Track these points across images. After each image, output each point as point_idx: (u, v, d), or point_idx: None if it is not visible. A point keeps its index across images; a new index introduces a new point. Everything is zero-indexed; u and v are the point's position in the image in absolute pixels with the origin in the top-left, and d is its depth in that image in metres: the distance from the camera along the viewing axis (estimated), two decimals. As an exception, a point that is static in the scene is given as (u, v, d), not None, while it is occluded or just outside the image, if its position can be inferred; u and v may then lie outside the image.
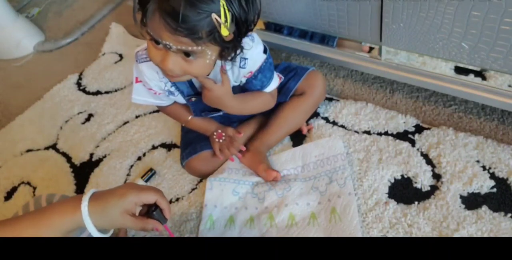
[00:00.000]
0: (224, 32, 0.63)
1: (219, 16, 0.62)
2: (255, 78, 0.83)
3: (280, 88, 0.94)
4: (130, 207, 0.61)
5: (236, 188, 0.88)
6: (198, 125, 0.94)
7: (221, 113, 0.92)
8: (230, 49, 0.70)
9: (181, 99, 0.87)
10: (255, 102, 0.88)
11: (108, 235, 0.62)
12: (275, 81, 0.87)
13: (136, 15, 0.65)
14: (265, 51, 0.82)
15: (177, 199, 0.93)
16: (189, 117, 0.93)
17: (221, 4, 0.61)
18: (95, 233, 0.59)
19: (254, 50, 0.78)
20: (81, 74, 1.37)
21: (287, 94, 0.94)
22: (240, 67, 0.79)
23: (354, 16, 0.86)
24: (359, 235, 0.76)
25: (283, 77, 0.94)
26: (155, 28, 0.63)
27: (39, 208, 0.61)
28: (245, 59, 0.78)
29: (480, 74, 0.86)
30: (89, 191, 0.61)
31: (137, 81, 0.84)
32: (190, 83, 0.83)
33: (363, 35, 0.89)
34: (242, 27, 0.67)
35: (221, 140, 0.93)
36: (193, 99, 0.86)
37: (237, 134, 0.93)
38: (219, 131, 0.93)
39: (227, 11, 0.62)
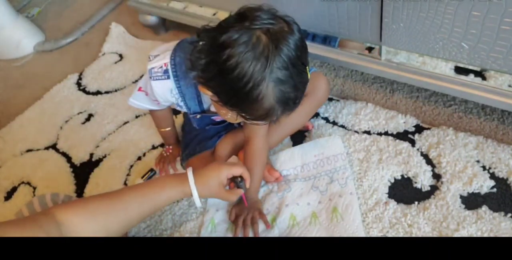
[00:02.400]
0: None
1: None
2: None
3: None
4: (224, 178, 0.74)
5: None
6: (167, 137, 1.00)
7: (225, 124, 0.93)
8: None
9: (185, 110, 0.87)
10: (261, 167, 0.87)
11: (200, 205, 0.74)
12: None
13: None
14: None
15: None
16: (168, 128, 0.97)
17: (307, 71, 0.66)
18: (198, 201, 0.72)
19: None
20: (81, 74, 1.37)
21: None
22: None
23: (354, 16, 0.86)
24: (362, 234, 0.76)
25: None
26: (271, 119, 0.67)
27: (142, 183, 0.72)
28: None
29: (480, 74, 0.86)
30: (189, 168, 0.73)
31: (140, 90, 0.84)
32: (199, 100, 0.81)
33: (363, 35, 0.89)
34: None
35: (165, 154, 1.00)
36: (198, 116, 0.86)
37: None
38: (169, 146, 1.01)
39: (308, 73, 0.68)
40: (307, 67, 0.66)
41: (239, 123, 0.97)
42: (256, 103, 0.62)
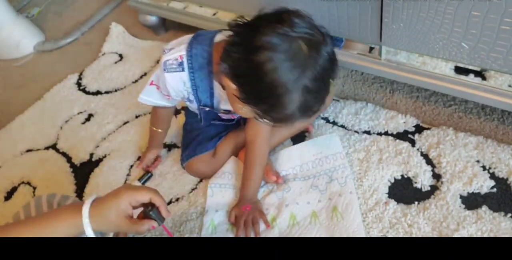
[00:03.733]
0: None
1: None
2: None
3: None
4: (126, 207, 0.61)
5: (238, 194, 0.88)
6: (154, 138, 0.99)
7: (228, 123, 0.93)
8: None
9: (194, 106, 0.87)
10: (259, 173, 0.87)
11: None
12: None
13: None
14: None
15: (177, 199, 0.93)
16: (160, 130, 0.97)
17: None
18: (90, 233, 0.59)
19: None
20: (81, 74, 1.37)
21: None
22: None
23: (354, 16, 0.86)
24: (363, 233, 0.76)
25: None
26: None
27: (41, 213, 0.62)
28: None
29: (480, 74, 0.86)
30: (91, 196, 0.61)
31: (151, 84, 0.84)
32: (211, 93, 0.81)
33: (363, 35, 0.89)
34: None
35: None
36: (207, 109, 0.86)
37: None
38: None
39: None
40: (331, 80, 0.67)
41: (239, 123, 0.97)
42: (279, 108, 0.63)
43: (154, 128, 0.98)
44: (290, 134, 0.96)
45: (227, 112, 0.88)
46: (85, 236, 0.60)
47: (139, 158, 1.04)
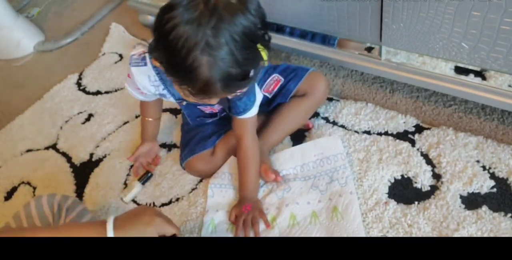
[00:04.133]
0: (266, 63, 0.68)
1: (262, 60, 0.66)
2: (240, 100, 0.82)
3: (280, 90, 0.94)
4: (151, 234, 0.62)
5: (238, 194, 0.88)
6: (145, 129, 0.99)
7: (216, 118, 0.92)
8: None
9: (173, 101, 0.88)
10: (253, 170, 0.87)
11: None
12: (256, 107, 0.85)
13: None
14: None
15: (177, 199, 0.93)
16: (151, 119, 0.97)
17: (259, 48, 0.65)
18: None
19: None
20: (81, 74, 1.37)
21: (286, 96, 0.94)
22: None
23: (354, 16, 0.86)
24: (363, 233, 0.76)
25: (282, 79, 0.94)
26: (214, 96, 0.67)
27: (61, 228, 0.61)
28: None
29: (480, 74, 0.86)
30: (110, 219, 0.62)
31: (128, 76, 0.85)
32: None
33: (363, 35, 0.89)
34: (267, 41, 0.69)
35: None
36: (184, 103, 0.87)
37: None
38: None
39: (264, 50, 0.66)
40: (260, 46, 0.65)
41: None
42: (191, 73, 0.61)
43: (145, 118, 0.98)
44: (288, 132, 0.96)
45: (205, 105, 0.89)
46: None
47: (139, 158, 1.05)
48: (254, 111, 0.85)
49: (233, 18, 0.60)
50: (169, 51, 0.61)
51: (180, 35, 0.59)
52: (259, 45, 0.65)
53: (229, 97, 0.81)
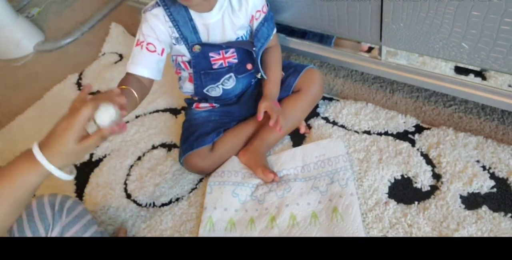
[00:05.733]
0: None
1: None
2: (263, 25, 0.89)
3: (281, 85, 0.96)
4: (81, 128, 0.60)
5: (236, 190, 0.88)
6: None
7: (224, 69, 0.92)
8: None
9: (185, 51, 0.87)
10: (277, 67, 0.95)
11: (72, 177, 0.62)
12: (274, 29, 0.93)
13: None
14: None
15: (177, 199, 0.93)
16: (125, 87, 0.79)
17: None
18: (60, 173, 0.59)
19: None
20: (81, 74, 1.37)
21: (288, 90, 0.96)
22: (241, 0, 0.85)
23: (354, 16, 0.86)
24: (362, 235, 0.76)
25: (283, 74, 0.97)
26: None
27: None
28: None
29: (480, 74, 0.86)
30: (34, 144, 0.60)
31: (137, 44, 0.83)
32: (193, 26, 0.84)
33: (363, 35, 0.89)
34: None
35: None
36: (197, 48, 0.86)
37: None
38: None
39: None
40: None
41: (233, 121, 0.97)
42: None
43: (120, 87, 0.80)
44: (286, 131, 0.95)
45: (218, 53, 0.88)
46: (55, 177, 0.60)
47: (139, 158, 1.04)
48: (274, 32, 0.93)
49: None
50: None
51: None
52: None
53: (251, 23, 0.88)
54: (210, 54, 0.88)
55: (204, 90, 0.94)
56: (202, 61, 0.89)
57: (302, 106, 0.95)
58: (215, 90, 0.95)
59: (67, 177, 0.61)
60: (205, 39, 0.86)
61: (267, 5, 0.90)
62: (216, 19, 0.84)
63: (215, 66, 0.91)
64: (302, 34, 1.04)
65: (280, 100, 0.95)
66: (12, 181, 0.58)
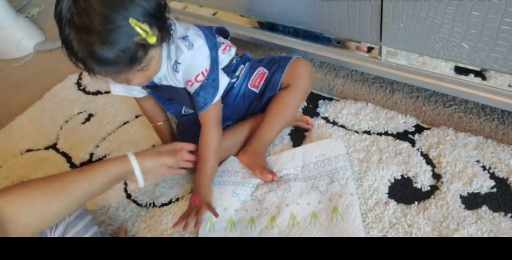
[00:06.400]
0: (152, 40, 0.69)
1: (139, 36, 0.67)
2: (198, 95, 0.84)
3: (267, 83, 0.93)
4: (169, 161, 0.81)
5: (236, 190, 0.88)
6: (161, 133, 1.01)
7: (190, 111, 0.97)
8: (164, 35, 0.74)
9: (138, 90, 0.91)
10: (214, 156, 0.88)
11: (143, 185, 0.77)
12: (219, 95, 0.86)
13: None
14: (213, 67, 0.83)
15: (177, 199, 0.93)
16: (160, 123, 0.99)
17: (132, 23, 0.66)
18: (138, 171, 0.74)
19: (188, 56, 0.80)
20: (81, 74, 1.37)
21: (274, 89, 0.92)
22: (173, 69, 0.82)
23: (354, 16, 0.86)
24: (362, 234, 0.76)
25: (267, 72, 0.94)
26: (106, 75, 0.73)
27: (83, 167, 0.72)
28: (178, 63, 0.81)
29: (480, 74, 0.86)
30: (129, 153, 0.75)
31: None
32: None
33: (363, 35, 0.89)
34: (160, 19, 0.72)
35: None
36: (148, 89, 0.90)
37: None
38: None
39: (141, 25, 0.67)
40: (131, 19, 0.66)
41: (227, 120, 0.98)
42: (69, 48, 0.70)
43: (154, 124, 1.00)
44: (281, 126, 0.94)
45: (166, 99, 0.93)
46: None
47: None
48: (215, 100, 0.85)
49: None
50: (58, 28, 0.68)
51: (57, 11, 0.66)
52: (135, 21, 0.66)
53: (188, 87, 0.85)
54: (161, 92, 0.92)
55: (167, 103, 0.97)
56: (158, 95, 0.94)
57: (293, 101, 0.92)
58: (184, 111, 0.98)
59: (142, 182, 0.76)
60: (158, 82, 0.87)
61: (208, 70, 0.83)
62: (163, 74, 0.84)
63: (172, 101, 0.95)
64: (297, 32, 1.04)
65: (268, 98, 0.94)
66: (95, 168, 0.70)
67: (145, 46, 0.70)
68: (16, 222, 0.58)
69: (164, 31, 0.73)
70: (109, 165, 0.72)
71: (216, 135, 0.87)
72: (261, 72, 0.94)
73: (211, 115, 0.86)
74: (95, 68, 0.69)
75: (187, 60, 0.81)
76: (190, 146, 0.85)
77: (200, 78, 0.82)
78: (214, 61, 0.84)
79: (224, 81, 0.87)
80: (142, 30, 0.67)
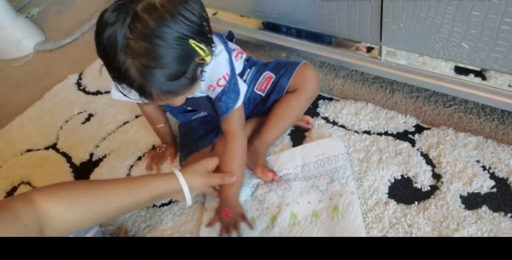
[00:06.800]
0: (208, 59, 0.67)
1: (200, 56, 0.65)
2: (220, 100, 0.81)
3: (273, 87, 0.94)
4: (209, 166, 0.81)
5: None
6: (161, 135, 1.01)
7: (200, 114, 0.95)
8: (210, 50, 0.72)
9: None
10: (240, 161, 0.85)
11: (191, 203, 0.78)
12: (241, 101, 0.84)
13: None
14: (232, 72, 0.82)
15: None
16: (161, 125, 0.98)
17: (193, 45, 0.63)
18: (186, 190, 0.74)
19: (212, 63, 0.77)
20: (81, 74, 1.37)
21: (281, 92, 0.93)
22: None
23: (354, 16, 0.86)
24: (363, 233, 0.76)
25: (274, 76, 0.94)
26: (161, 101, 0.70)
27: (129, 177, 0.73)
28: (203, 71, 0.78)
29: (480, 74, 0.86)
30: (174, 169, 0.76)
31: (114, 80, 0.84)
32: None
33: (363, 35, 0.89)
34: (208, 34, 0.68)
35: (159, 151, 1.01)
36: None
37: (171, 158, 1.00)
38: (163, 144, 1.02)
39: (200, 46, 0.65)
40: (191, 40, 0.63)
41: None
42: (124, 76, 0.63)
43: (155, 126, 0.99)
44: (284, 129, 0.94)
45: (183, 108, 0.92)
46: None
47: (139, 158, 1.04)
48: (238, 105, 0.84)
49: (154, 18, 0.60)
50: (102, 55, 0.62)
51: (105, 38, 0.60)
52: (195, 42, 0.64)
53: (209, 92, 0.82)
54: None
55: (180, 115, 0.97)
56: (173, 107, 0.92)
57: (299, 105, 0.93)
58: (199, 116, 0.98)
59: (190, 200, 0.76)
60: None
61: (229, 74, 0.81)
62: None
63: (188, 108, 0.94)
64: (299, 33, 1.04)
65: (273, 103, 0.94)
66: (141, 183, 0.69)
67: (201, 65, 0.68)
68: (58, 223, 0.58)
69: (211, 45, 0.70)
70: (155, 182, 0.71)
71: (241, 144, 0.85)
72: (267, 76, 0.95)
73: (234, 120, 0.84)
74: (154, 93, 0.65)
75: (210, 66, 0.78)
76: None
77: (222, 82, 0.80)
78: (232, 65, 0.83)
79: (243, 87, 0.86)
80: (201, 50, 0.64)
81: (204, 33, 0.67)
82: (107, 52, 0.61)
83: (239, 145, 0.85)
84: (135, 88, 0.64)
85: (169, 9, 0.61)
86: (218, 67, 0.79)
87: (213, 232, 0.84)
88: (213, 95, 0.82)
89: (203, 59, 0.66)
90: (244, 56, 0.93)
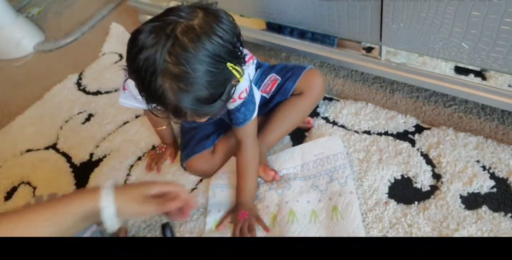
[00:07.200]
0: (242, 79, 0.66)
1: (236, 78, 0.64)
2: (238, 111, 0.81)
3: (278, 89, 0.94)
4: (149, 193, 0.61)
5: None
6: (162, 136, 1.02)
7: (211, 119, 0.93)
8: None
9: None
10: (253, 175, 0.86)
11: (115, 228, 0.59)
12: (256, 111, 0.84)
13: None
14: (250, 82, 0.81)
15: (177, 199, 0.93)
16: (163, 127, 0.98)
17: (230, 68, 0.62)
18: (109, 218, 0.57)
19: None
20: (81, 74, 1.37)
21: (286, 94, 0.94)
22: None
23: (354, 16, 0.86)
24: (362, 233, 0.76)
25: (279, 79, 0.94)
26: (191, 119, 0.67)
27: (55, 198, 0.59)
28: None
29: (480, 74, 0.86)
30: (108, 182, 0.59)
31: (124, 89, 0.83)
32: None
33: (363, 35, 0.89)
34: (240, 54, 0.66)
35: (158, 151, 1.02)
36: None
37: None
38: (163, 145, 1.03)
39: (237, 68, 0.63)
40: (228, 64, 0.62)
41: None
42: (160, 98, 0.61)
43: (157, 128, 0.99)
44: (287, 131, 0.95)
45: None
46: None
47: (139, 158, 1.04)
48: (254, 115, 0.84)
49: (193, 42, 0.58)
50: (137, 76, 0.61)
51: (142, 60, 0.59)
52: (232, 65, 0.63)
53: (229, 104, 0.80)
54: None
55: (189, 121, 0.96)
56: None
57: (303, 108, 0.94)
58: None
59: (113, 225, 0.58)
60: None
61: (249, 87, 0.80)
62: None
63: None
64: (303, 34, 1.04)
65: (276, 105, 0.95)
66: (67, 207, 0.56)
67: (235, 86, 0.67)
68: None
69: (243, 64, 0.68)
70: (79, 199, 0.57)
71: (254, 150, 0.86)
72: (273, 79, 0.95)
73: (249, 129, 0.85)
74: (188, 115, 0.64)
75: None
76: (185, 197, 0.64)
77: (244, 95, 0.79)
78: (248, 75, 0.82)
79: (257, 95, 0.86)
80: (237, 72, 0.63)
81: (239, 54, 0.66)
82: (143, 74, 0.59)
83: (254, 152, 0.86)
84: (169, 110, 0.63)
85: (206, 30, 0.60)
86: (242, 83, 0.78)
87: (216, 232, 0.84)
88: (232, 106, 0.81)
89: (238, 81, 0.66)
90: (255, 61, 0.93)
